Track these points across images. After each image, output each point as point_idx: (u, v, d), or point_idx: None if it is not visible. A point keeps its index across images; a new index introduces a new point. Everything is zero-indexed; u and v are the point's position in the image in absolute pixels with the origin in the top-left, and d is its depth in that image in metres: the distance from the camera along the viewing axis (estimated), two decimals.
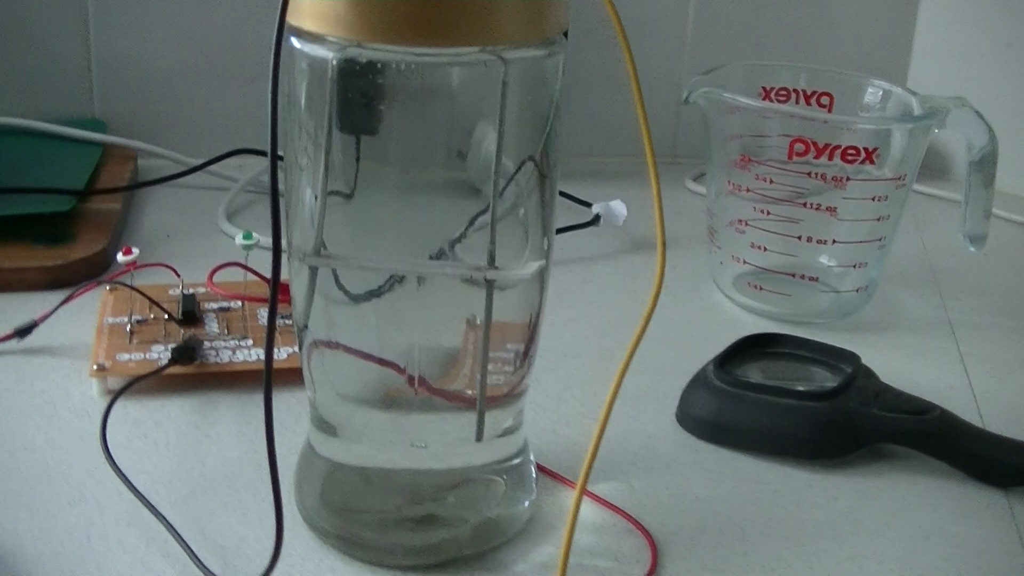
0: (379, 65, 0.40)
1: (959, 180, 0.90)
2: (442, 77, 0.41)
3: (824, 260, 0.68)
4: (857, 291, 0.69)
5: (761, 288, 0.69)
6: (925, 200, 0.90)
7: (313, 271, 0.44)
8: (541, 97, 0.43)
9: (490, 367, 0.45)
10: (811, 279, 0.69)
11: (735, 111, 0.67)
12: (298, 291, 0.46)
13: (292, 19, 0.40)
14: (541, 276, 0.46)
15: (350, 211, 0.43)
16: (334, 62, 0.40)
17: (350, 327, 0.45)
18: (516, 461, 0.49)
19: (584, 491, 0.43)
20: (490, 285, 0.43)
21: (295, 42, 0.41)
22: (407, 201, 0.43)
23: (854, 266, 0.68)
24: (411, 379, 0.45)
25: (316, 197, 0.43)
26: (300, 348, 0.47)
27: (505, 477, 0.49)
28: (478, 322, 0.44)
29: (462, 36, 0.39)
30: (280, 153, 0.40)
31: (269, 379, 0.41)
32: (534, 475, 0.50)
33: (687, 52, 0.94)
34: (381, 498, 0.48)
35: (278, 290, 0.40)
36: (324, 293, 0.45)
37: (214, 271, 0.61)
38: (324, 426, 0.48)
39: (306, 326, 0.46)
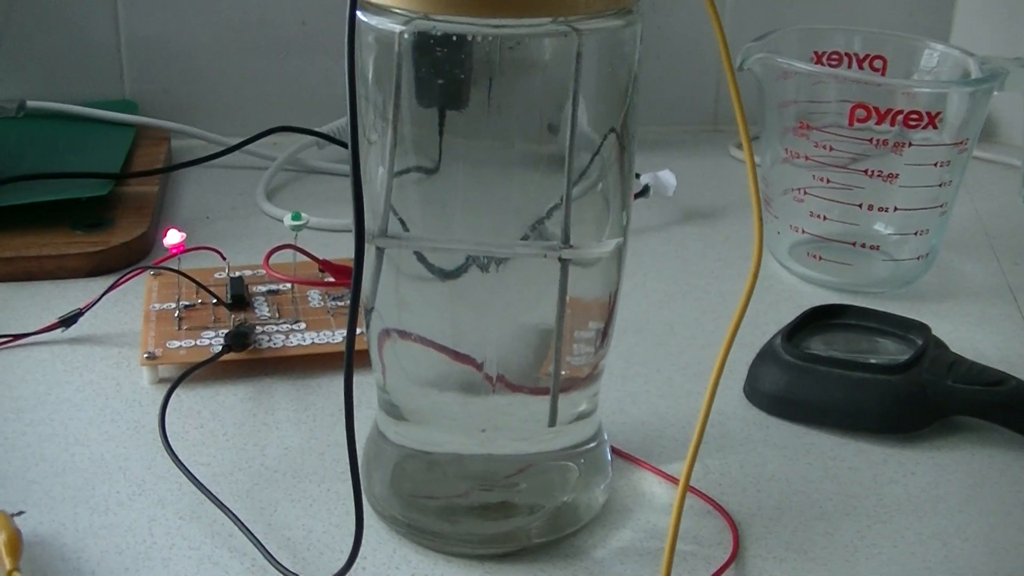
0: (454, 38, 0.38)
1: (1008, 143, 0.88)
2: (524, 50, 0.39)
3: (884, 228, 0.67)
4: (918, 259, 0.67)
5: (821, 258, 0.67)
6: (975, 164, 0.88)
7: (380, 252, 0.43)
8: (620, 68, 0.41)
9: (572, 347, 0.43)
10: (872, 247, 0.67)
11: (790, 76, 0.65)
12: (364, 273, 0.44)
13: None
14: (619, 252, 0.44)
15: (430, 188, 0.42)
16: (405, 35, 0.38)
17: (423, 311, 0.44)
18: (591, 445, 0.47)
19: (688, 488, 0.42)
20: (565, 264, 0.42)
21: (361, 15, 0.40)
22: (491, 177, 0.41)
23: (915, 233, 0.66)
24: (488, 377, 0.43)
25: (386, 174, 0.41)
26: (368, 332, 0.45)
27: (581, 462, 0.47)
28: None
29: (531, 7, 0.38)
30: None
31: (350, 369, 0.39)
32: (609, 458, 0.49)
33: (728, 18, 0.92)
34: (452, 485, 0.47)
35: (361, 273, 0.38)
36: (396, 274, 0.43)
37: (270, 254, 0.59)
38: (393, 411, 0.46)
39: (373, 308, 0.44)
